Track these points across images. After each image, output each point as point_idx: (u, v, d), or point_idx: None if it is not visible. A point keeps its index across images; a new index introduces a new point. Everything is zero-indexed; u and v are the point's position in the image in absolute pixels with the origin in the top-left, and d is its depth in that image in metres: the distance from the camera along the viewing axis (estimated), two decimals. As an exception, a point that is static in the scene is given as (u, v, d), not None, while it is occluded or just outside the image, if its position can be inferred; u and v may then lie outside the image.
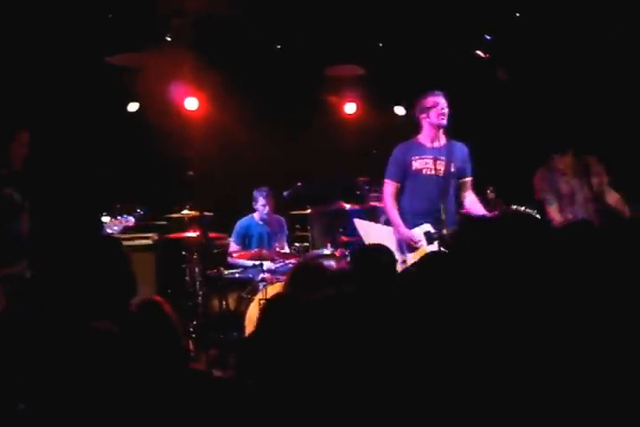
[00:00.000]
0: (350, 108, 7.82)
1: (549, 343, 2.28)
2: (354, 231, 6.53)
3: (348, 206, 6.49)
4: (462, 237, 2.61)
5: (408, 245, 5.03)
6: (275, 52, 7.09)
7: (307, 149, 7.39)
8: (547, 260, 2.60)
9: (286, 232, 6.89)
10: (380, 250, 3.92)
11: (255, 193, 6.69)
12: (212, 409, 2.50)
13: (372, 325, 2.58)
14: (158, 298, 2.77)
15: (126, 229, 5.34)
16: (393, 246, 4.75)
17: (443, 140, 5.23)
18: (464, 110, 6.64)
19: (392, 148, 5.33)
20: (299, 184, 6.66)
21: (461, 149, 5.25)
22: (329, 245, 6.43)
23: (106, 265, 2.78)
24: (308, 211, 6.70)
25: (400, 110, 7.64)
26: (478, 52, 6.80)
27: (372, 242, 4.81)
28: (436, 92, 5.22)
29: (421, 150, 5.20)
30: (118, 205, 5.49)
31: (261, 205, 6.67)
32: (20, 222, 4.68)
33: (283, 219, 6.89)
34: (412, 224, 5.10)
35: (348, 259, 5.92)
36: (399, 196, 5.20)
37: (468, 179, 5.28)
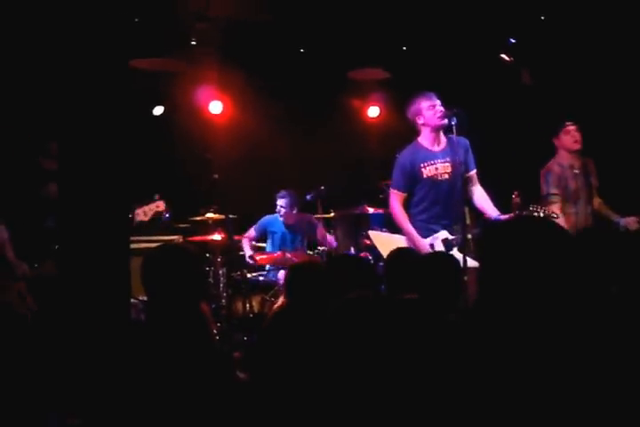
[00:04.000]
0: (374, 111, 7.82)
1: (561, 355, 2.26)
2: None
3: (371, 210, 6.49)
4: (484, 243, 2.60)
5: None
6: (299, 56, 7.11)
7: (330, 152, 7.40)
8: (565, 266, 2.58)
9: (319, 224, 6.81)
10: (410, 252, 3.94)
11: None
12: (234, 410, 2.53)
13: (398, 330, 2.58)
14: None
15: (158, 216, 5.38)
16: None
17: (444, 139, 5.14)
18: (488, 114, 6.65)
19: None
20: (322, 187, 6.68)
21: (461, 143, 5.10)
22: (352, 248, 6.44)
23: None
24: (332, 214, 6.72)
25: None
26: (503, 56, 6.77)
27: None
28: (428, 93, 5.13)
29: (428, 155, 5.10)
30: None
31: (279, 208, 6.74)
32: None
33: (311, 217, 6.85)
34: (428, 232, 5.06)
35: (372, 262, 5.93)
36: (409, 204, 5.14)
37: (473, 172, 5.20)
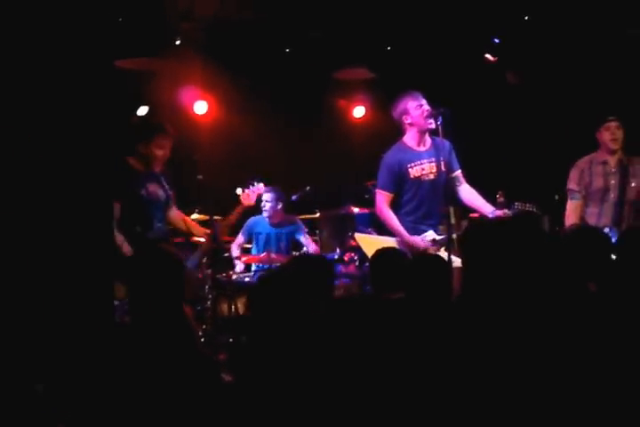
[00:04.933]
0: (359, 111, 7.81)
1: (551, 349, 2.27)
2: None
3: (356, 210, 6.47)
4: (469, 241, 2.60)
5: (416, 252, 4.94)
6: (284, 56, 7.09)
7: (315, 152, 7.38)
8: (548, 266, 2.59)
9: (304, 229, 6.83)
10: (394, 251, 3.92)
11: None
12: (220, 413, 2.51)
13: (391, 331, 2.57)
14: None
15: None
16: None
17: (428, 140, 5.16)
18: (473, 114, 6.67)
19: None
20: (307, 188, 6.66)
21: (443, 144, 5.09)
22: (338, 249, 6.42)
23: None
24: (317, 215, 6.70)
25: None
26: (487, 56, 6.78)
27: None
28: (414, 93, 5.13)
29: (415, 156, 5.10)
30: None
31: (264, 203, 6.71)
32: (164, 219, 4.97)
33: (294, 218, 6.85)
34: (415, 232, 5.05)
35: (357, 263, 5.93)
36: (396, 205, 5.12)
37: (458, 172, 5.21)
